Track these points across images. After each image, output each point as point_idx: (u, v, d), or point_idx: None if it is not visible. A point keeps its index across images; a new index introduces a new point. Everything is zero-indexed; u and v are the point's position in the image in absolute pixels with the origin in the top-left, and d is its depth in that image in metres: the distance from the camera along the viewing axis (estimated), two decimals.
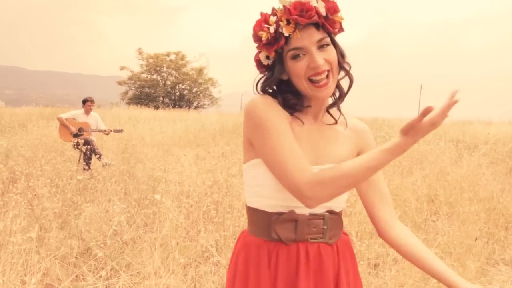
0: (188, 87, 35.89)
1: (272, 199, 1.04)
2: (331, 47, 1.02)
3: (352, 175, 0.93)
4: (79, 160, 6.25)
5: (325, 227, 1.05)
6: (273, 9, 1.01)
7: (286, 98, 1.04)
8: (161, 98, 34.72)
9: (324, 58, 0.99)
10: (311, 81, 1.00)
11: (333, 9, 1.00)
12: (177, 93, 35.67)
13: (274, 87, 1.08)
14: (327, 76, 1.01)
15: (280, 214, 1.03)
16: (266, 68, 1.08)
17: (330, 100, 1.11)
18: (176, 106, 31.85)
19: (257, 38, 1.03)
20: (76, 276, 2.74)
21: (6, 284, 2.39)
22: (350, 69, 1.08)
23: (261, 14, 1.03)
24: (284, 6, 0.99)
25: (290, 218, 1.03)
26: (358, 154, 1.14)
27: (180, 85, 35.62)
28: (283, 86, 1.07)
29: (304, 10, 0.97)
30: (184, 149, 8.99)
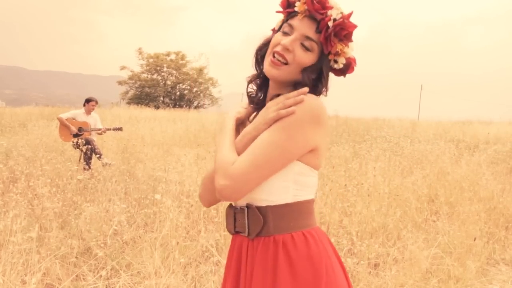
0: (188, 87, 35.89)
1: None
2: (311, 55, 1.02)
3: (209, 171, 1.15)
4: (79, 160, 6.25)
5: (245, 221, 1.05)
6: None
7: (249, 94, 1.16)
8: (162, 98, 34.73)
9: (295, 51, 1.01)
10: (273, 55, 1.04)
11: (339, 32, 1.00)
12: (177, 93, 35.67)
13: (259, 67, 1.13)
14: (284, 63, 1.02)
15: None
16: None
17: None
18: (177, 106, 31.84)
19: None
20: (77, 275, 2.74)
21: (7, 284, 2.39)
22: (319, 93, 1.07)
23: None
24: None
25: (229, 211, 1.12)
26: None
27: (180, 85, 35.62)
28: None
29: (320, 4, 0.99)
30: (184, 148, 8.99)
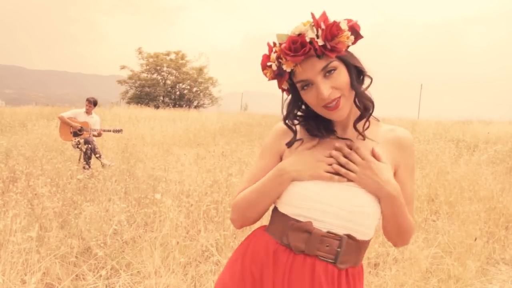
0: (188, 87, 35.87)
1: (295, 207, 1.03)
2: (340, 71, 0.98)
3: (247, 199, 1.07)
4: (79, 160, 6.25)
5: (339, 249, 1.00)
6: (274, 44, 0.99)
7: (309, 127, 1.07)
8: (161, 98, 34.72)
9: (332, 85, 0.97)
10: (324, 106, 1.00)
11: (331, 35, 0.94)
12: (177, 93, 35.66)
13: (299, 112, 1.10)
14: (339, 98, 0.99)
15: (298, 221, 1.02)
16: (288, 91, 1.08)
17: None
18: (176, 106, 31.84)
19: (264, 75, 1.05)
20: (76, 275, 2.74)
21: (6, 284, 2.39)
22: (370, 83, 1.05)
23: (268, 46, 1.01)
24: (280, 44, 0.97)
25: (304, 229, 1.01)
26: (395, 170, 1.07)
27: (180, 84, 35.60)
28: (309, 109, 1.07)
29: (298, 48, 0.94)
30: (184, 148, 8.99)
